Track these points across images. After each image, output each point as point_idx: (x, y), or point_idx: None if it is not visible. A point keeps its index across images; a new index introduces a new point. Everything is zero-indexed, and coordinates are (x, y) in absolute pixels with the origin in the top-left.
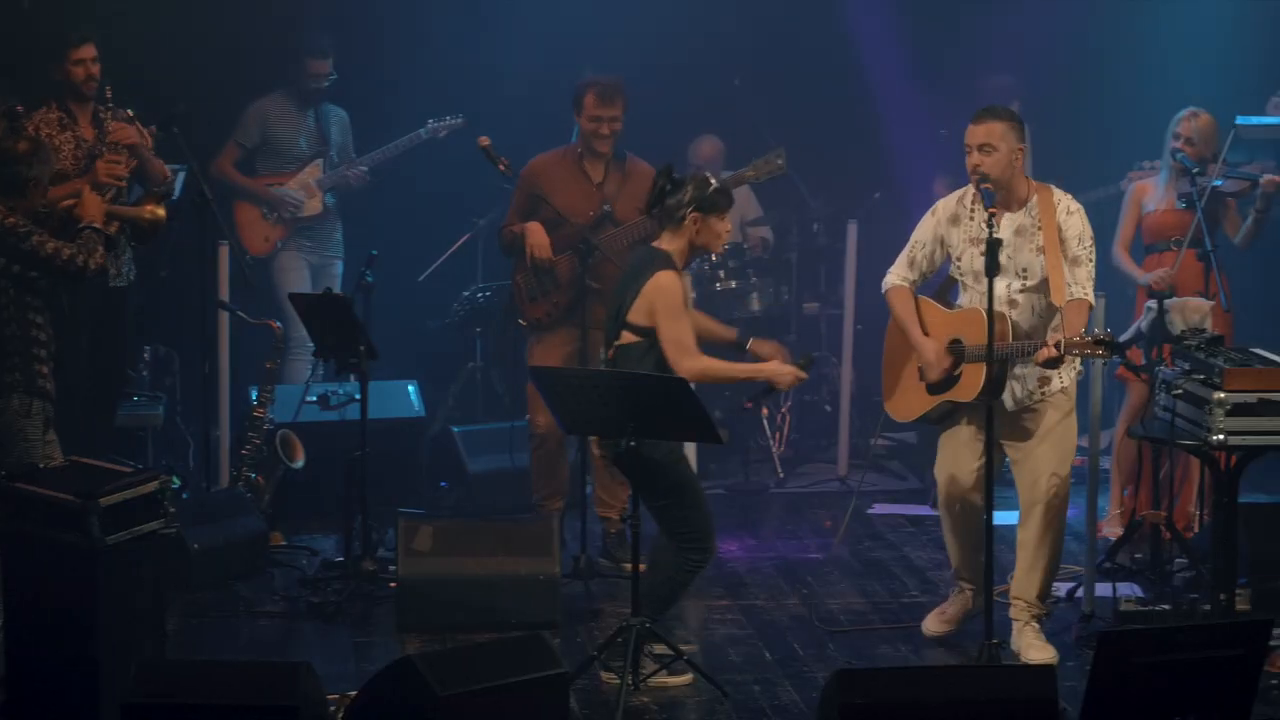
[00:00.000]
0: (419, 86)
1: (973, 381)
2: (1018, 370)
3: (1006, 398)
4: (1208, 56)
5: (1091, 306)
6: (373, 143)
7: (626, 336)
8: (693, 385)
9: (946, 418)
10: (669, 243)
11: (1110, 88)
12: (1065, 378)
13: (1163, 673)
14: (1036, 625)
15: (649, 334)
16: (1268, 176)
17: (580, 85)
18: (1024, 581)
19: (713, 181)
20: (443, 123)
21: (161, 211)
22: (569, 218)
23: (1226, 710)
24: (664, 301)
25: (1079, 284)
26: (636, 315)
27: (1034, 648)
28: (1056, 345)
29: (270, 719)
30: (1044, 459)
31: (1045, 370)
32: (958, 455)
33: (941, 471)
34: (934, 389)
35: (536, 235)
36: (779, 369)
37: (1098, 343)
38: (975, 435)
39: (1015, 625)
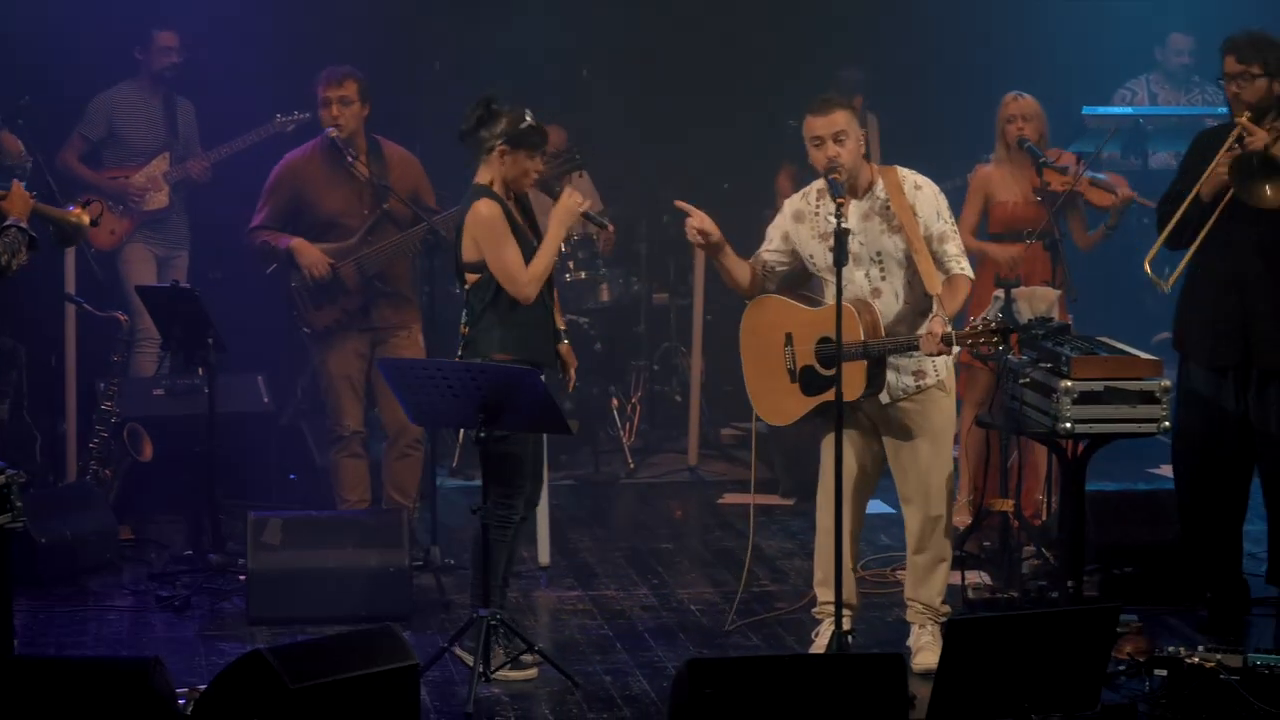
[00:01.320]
0: (266, 80)
1: (855, 380)
2: (892, 359)
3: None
4: (1052, 49)
5: (971, 280)
6: (219, 136)
7: (470, 278)
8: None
9: (821, 416)
10: (483, 175)
11: (951, 80)
12: (942, 369)
13: (1012, 659)
14: (936, 627)
15: (484, 267)
16: (1124, 190)
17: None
18: (924, 585)
19: (529, 119)
20: (290, 117)
21: (87, 218)
22: (342, 220)
23: (1075, 696)
24: (482, 231)
25: (953, 259)
26: (468, 253)
27: (932, 652)
28: (945, 340)
29: (120, 714)
30: (932, 458)
31: (920, 360)
32: (845, 458)
33: (828, 485)
34: (810, 390)
35: (308, 255)
36: (566, 200)
37: (992, 332)
38: (860, 435)
39: (914, 629)
